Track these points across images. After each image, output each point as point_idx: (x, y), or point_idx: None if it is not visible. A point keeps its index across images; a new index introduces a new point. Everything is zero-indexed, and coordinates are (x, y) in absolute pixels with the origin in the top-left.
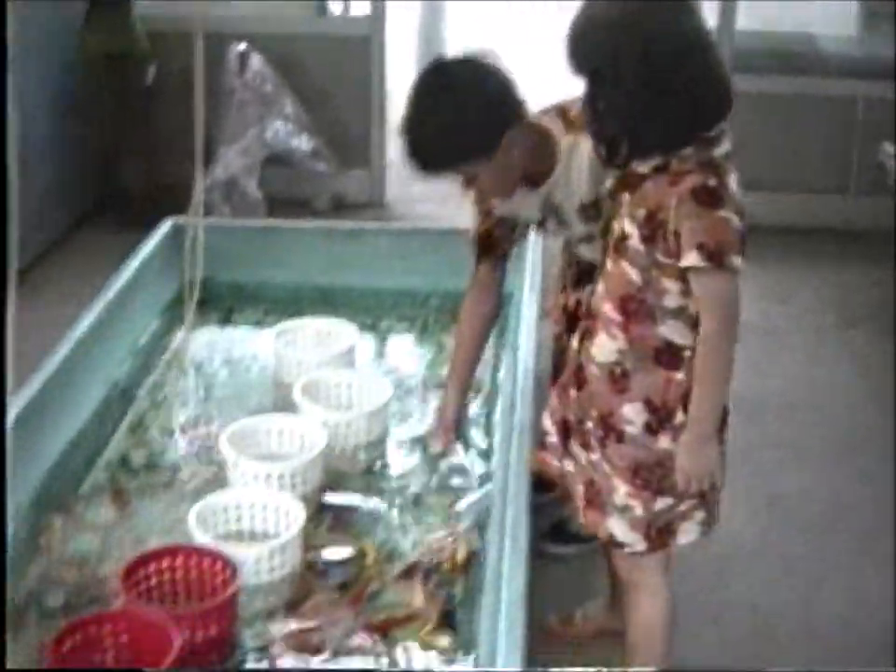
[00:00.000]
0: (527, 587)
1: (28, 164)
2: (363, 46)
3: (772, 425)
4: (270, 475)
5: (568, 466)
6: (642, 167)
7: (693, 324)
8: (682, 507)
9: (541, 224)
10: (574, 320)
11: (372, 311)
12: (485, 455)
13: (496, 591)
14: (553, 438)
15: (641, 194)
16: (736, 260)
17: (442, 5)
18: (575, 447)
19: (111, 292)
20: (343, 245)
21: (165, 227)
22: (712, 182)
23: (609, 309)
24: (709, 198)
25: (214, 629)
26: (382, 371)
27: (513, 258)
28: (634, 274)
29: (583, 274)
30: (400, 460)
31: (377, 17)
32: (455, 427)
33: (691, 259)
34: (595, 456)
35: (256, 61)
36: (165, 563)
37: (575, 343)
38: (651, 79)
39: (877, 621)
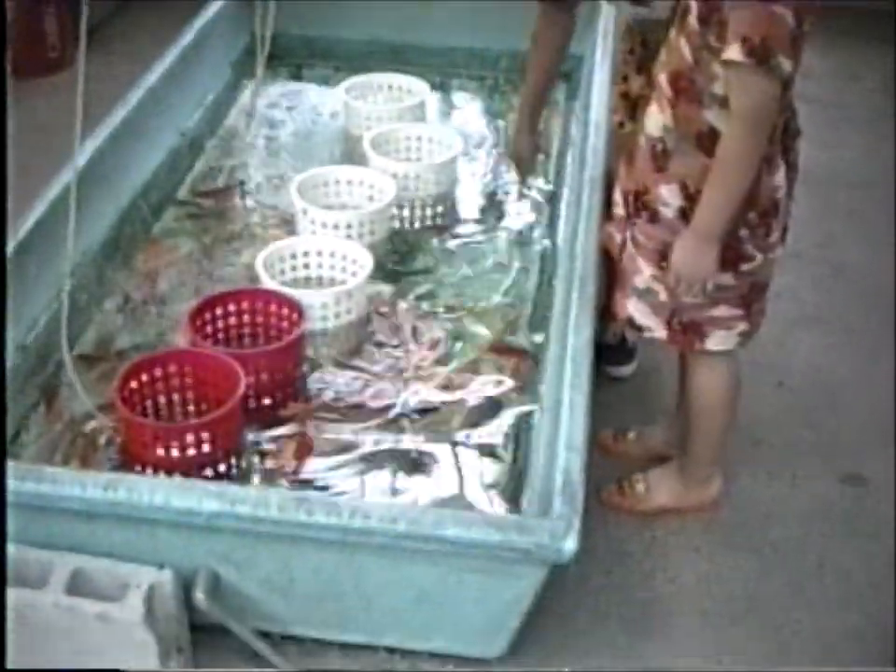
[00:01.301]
0: (592, 337)
1: None
2: None
3: (839, 196)
4: (338, 223)
5: (632, 236)
6: None
7: None
8: (717, 312)
9: None
10: (635, 108)
11: (443, 69)
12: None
13: (562, 341)
14: (621, 210)
15: None
16: (785, 63)
17: None
18: (637, 220)
19: (183, 44)
20: (413, 4)
21: None
22: None
23: (663, 80)
24: None
25: (279, 372)
26: (451, 126)
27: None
28: (687, 52)
29: (647, 59)
30: (468, 212)
31: None
32: (532, 151)
33: (733, 52)
34: (618, 238)
35: None
36: (232, 306)
37: (639, 114)
38: None
39: None
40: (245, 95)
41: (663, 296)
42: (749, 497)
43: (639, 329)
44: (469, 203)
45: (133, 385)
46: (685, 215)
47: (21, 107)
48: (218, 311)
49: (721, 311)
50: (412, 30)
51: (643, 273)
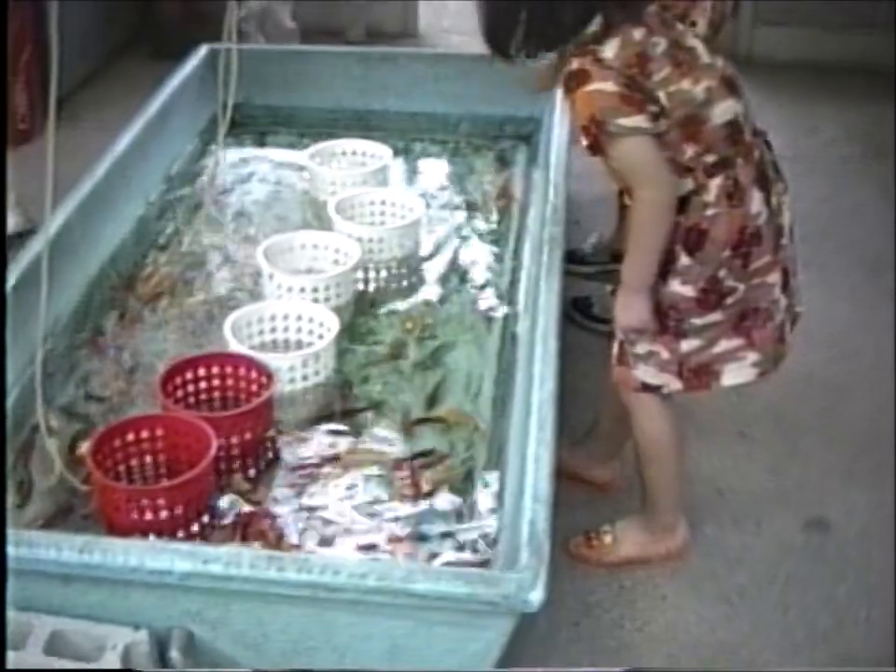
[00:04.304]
0: (558, 391)
1: None
2: None
3: (799, 248)
4: (304, 287)
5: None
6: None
7: (685, 170)
8: (719, 348)
9: None
10: None
11: (406, 134)
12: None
13: (525, 397)
14: None
15: None
16: (627, 121)
17: None
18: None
19: (149, 114)
20: (377, 70)
21: (201, 52)
22: (575, 65)
23: (628, 200)
24: (573, 81)
25: (249, 433)
26: (414, 190)
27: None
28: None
29: None
30: (431, 273)
31: None
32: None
33: (583, 142)
34: None
35: None
36: (202, 370)
37: None
38: None
39: None
40: (211, 163)
41: (665, 354)
42: (715, 545)
43: (657, 388)
44: (432, 265)
45: (106, 449)
46: (661, 274)
47: None
48: (189, 375)
49: (722, 346)
50: (374, 96)
51: (640, 340)
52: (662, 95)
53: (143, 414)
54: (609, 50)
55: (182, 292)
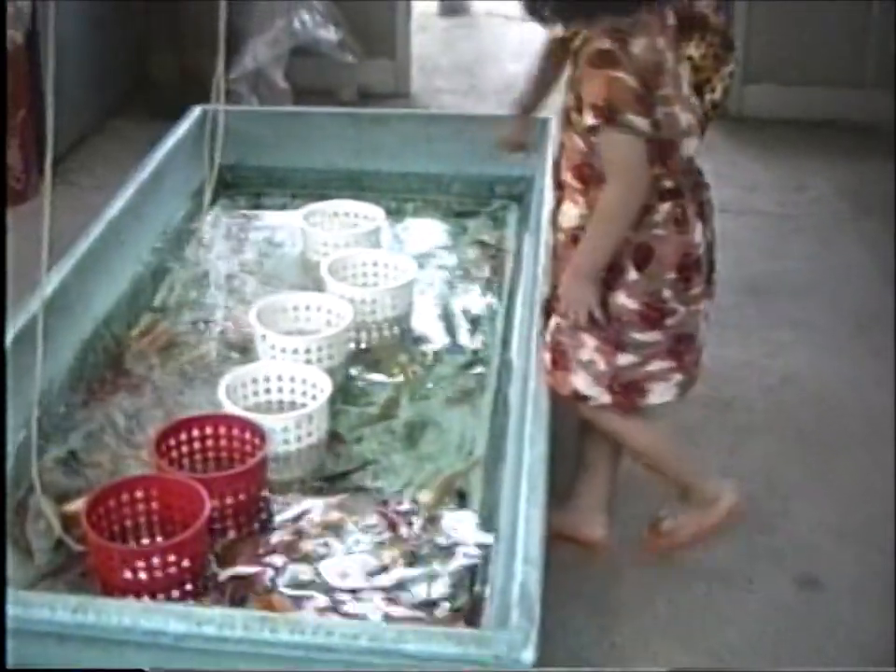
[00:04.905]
0: (549, 451)
1: (62, 55)
2: None
3: (787, 305)
4: (297, 348)
5: (544, 336)
6: (577, 40)
7: None
8: (652, 367)
9: None
10: None
11: (398, 195)
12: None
13: (517, 457)
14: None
15: (573, 67)
16: (636, 120)
17: None
18: (550, 318)
19: (143, 176)
20: (369, 131)
21: (195, 114)
22: (606, 45)
23: (569, 178)
24: (601, 60)
25: (243, 494)
26: (406, 251)
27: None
28: (580, 142)
29: None
30: (423, 334)
31: None
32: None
33: (587, 119)
34: (563, 323)
35: None
36: (196, 431)
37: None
38: None
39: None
40: (204, 224)
41: (602, 365)
42: (706, 602)
43: (585, 398)
44: (424, 326)
45: (101, 509)
46: (607, 285)
47: None
48: (183, 436)
49: (655, 366)
50: (367, 157)
51: (587, 345)
52: (659, 111)
53: (137, 475)
54: (637, 47)
55: (176, 353)
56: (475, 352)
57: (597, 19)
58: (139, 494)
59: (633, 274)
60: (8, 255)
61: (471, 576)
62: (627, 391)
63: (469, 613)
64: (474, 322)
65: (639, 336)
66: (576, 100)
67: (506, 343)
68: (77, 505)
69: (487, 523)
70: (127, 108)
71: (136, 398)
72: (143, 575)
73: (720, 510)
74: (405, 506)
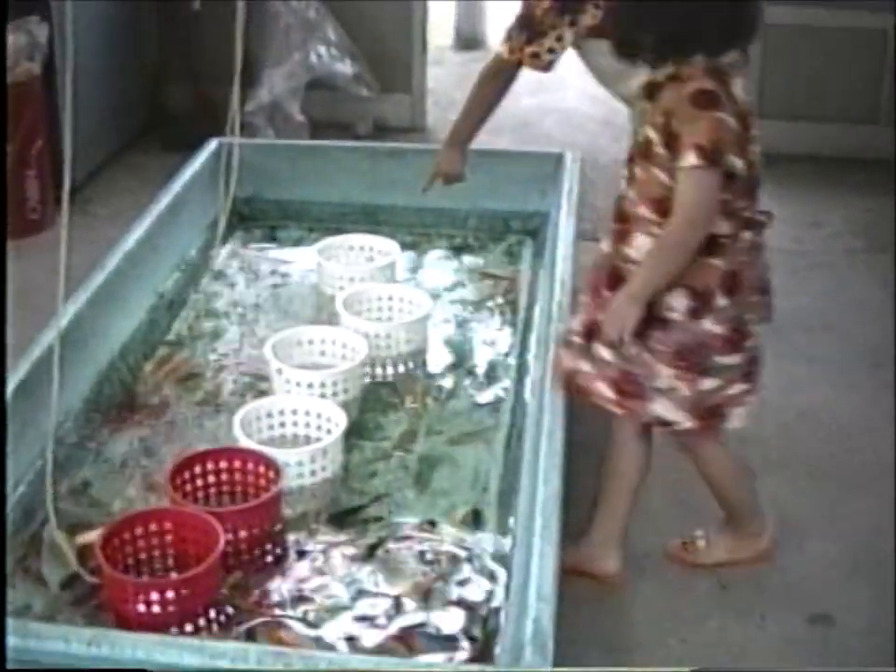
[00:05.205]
0: (563, 487)
1: (78, 86)
2: None
3: (802, 341)
4: (312, 383)
5: (586, 366)
6: (659, 75)
7: (729, 212)
8: (732, 390)
9: None
10: None
11: (413, 229)
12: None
13: (531, 493)
14: (577, 338)
15: (659, 102)
16: (735, 161)
17: None
18: (599, 348)
19: (159, 208)
20: (385, 165)
21: (211, 146)
22: (709, 85)
23: (644, 211)
24: (705, 100)
25: (257, 528)
26: (421, 285)
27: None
28: (663, 176)
29: None
30: (438, 368)
31: None
32: (462, 154)
33: (690, 159)
34: (632, 350)
35: None
36: (210, 464)
37: (606, 247)
38: None
39: None
40: (219, 257)
41: (685, 391)
42: (718, 639)
43: (668, 424)
44: (439, 361)
45: (115, 542)
46: (694, 313)
47: None
48: (197, 469)
49: (735, 389)
50: (382, 191)
51: (662, 374)
52: (751, 150)
53: (151, 508)
54: (737, 87)
55: (191, 385)
56: (489, 387)
57: (694, 58)
58: (153, 526)
59: (722, 301)
60: (24, 285)
61: (485, 612)
62: (711, 415)
63: (483, 649)
64: (488, 357)
65: (722, 360)
66: (662, 135)
67: (520, 378)
68: (92, 536)
69: (501, 559)
70: (142, 139)
71: (151, 430)
72: (157, 608)
73: (755, 547)
74: (419, 541)
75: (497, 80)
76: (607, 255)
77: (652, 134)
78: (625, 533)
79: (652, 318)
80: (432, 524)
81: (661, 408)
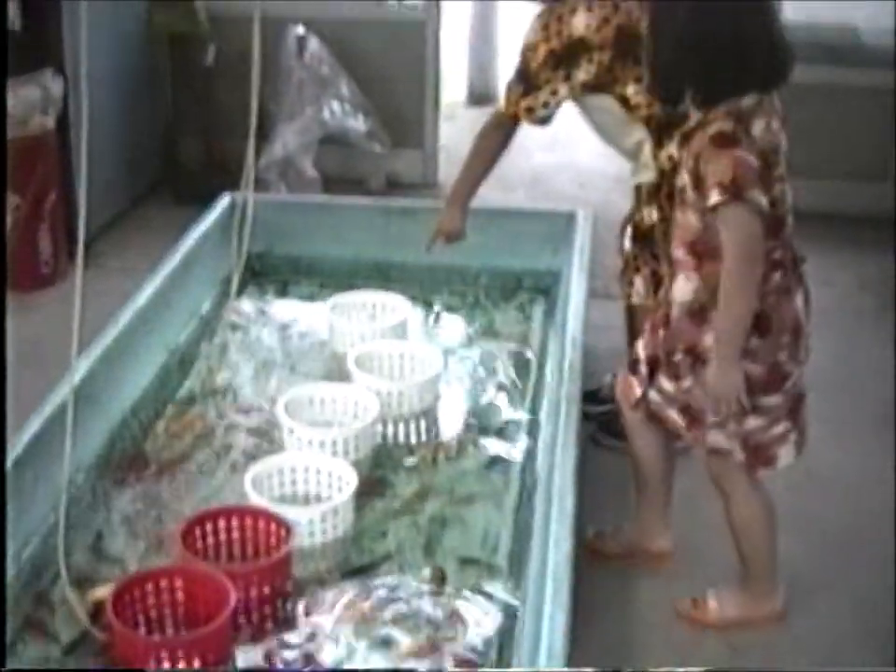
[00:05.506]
0: (574, 550)
1: (92, 139)
2: (418, 30)
3: (813, 401)
4: (324, 441)
5: (654, 395)
6: (692, 121)
7: None
8: (777, 430)
9: None
10: (642, 234)
11: (425, 286)
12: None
13: (542, 555)
14: (644, 367)
15: (690, 146)
16: (757, 196)
17: None
18: (662, 380)
19: (172, 263)
20: (398, 222)
21: (224, 201)
22: (728, 126)
23: (681, 254)
24: (724, 140)
25: (268, 587)
26: (433, 343)
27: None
28: (695, 220)
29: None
30: (450, 427)
31: (432, 4)
32: (463, 212)
33: (714, 197)
34: (686, 384)
35: (313, 43)
36: (222, 522)
37: (662, 291)
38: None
39: None
40: (231, 313)
41: (733, 425)
42: None
43: (724, 453)
44: (451, 420)
45: (126, 599)
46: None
47: (12, 321)
48: (208, 527)
49: (780, 428)
50: (394, 248)
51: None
52: (776, 188)
53: (163, 566)
54: (758, 128)
55: (202, 442)
56: (501, 446)
57: (719, 102)
58: (164, 584)
59: (754, 342)
60: (35, 338)
61: None
62: (757, 452)
63: None
64: (500, 417)
65: (765, 400)
66: (693, 178)
67: (531, 437)
68: (103, 591)
69: (511, 620)
70: (155, 194)
71: (163, 486)
72: (167, 666)
73: (769, 607)
74: (427, 601)
75: (497, 135)
76: (661, 297)
77: (686, 178)
78: (670, 513)
79: (696, 358)
80: (441, 584)
81: (719, 438)
